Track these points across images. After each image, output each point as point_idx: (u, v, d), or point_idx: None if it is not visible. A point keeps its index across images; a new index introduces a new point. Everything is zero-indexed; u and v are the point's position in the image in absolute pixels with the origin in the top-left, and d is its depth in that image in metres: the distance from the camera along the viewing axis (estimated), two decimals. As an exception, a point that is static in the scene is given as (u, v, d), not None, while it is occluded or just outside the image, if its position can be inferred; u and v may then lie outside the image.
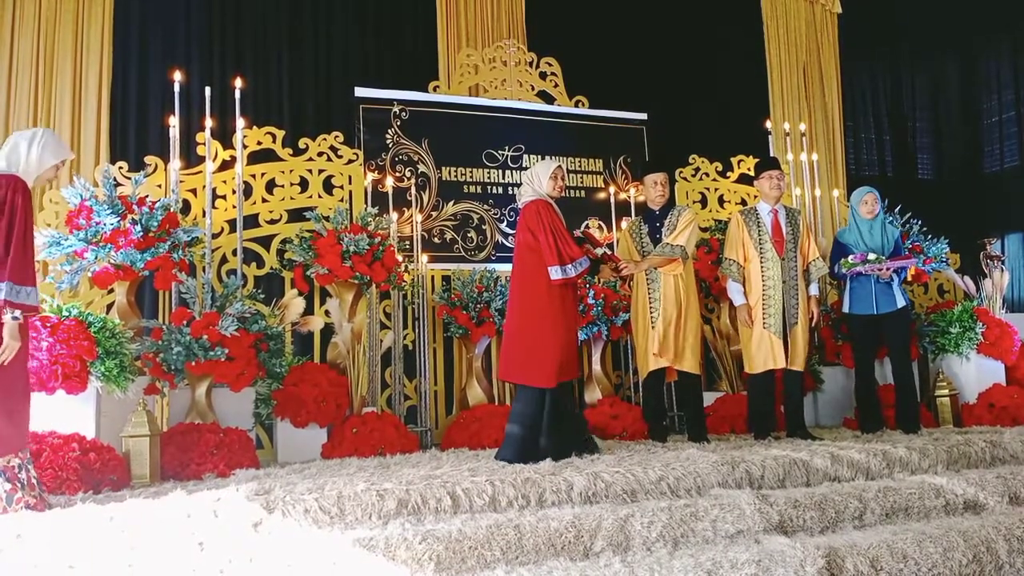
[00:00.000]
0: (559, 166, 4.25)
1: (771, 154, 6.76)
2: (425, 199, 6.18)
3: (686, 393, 5.03)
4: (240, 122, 5.12)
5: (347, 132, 5.98)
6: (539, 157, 6.57)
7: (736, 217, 5.11)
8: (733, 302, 5.08)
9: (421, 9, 7.01)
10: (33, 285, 3.08)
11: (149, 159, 5.27)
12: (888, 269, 4.98)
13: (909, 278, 5.18)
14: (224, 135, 5.31)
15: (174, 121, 4.99)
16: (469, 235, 6.29)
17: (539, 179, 4.21)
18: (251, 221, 5.37)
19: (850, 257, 5.05)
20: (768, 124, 7.00)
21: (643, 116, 6.99)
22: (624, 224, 5.61)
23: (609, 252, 4.50)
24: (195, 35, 6.35)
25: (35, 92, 5.66)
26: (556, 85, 6.72)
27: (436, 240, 6.16)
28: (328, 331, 5.27)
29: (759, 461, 3.58)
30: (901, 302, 5.07)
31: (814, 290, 5.02)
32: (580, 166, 6.72)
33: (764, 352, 4.86)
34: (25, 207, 3.06)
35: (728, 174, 7.04)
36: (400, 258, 5.44)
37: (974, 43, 9.22)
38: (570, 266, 4.02)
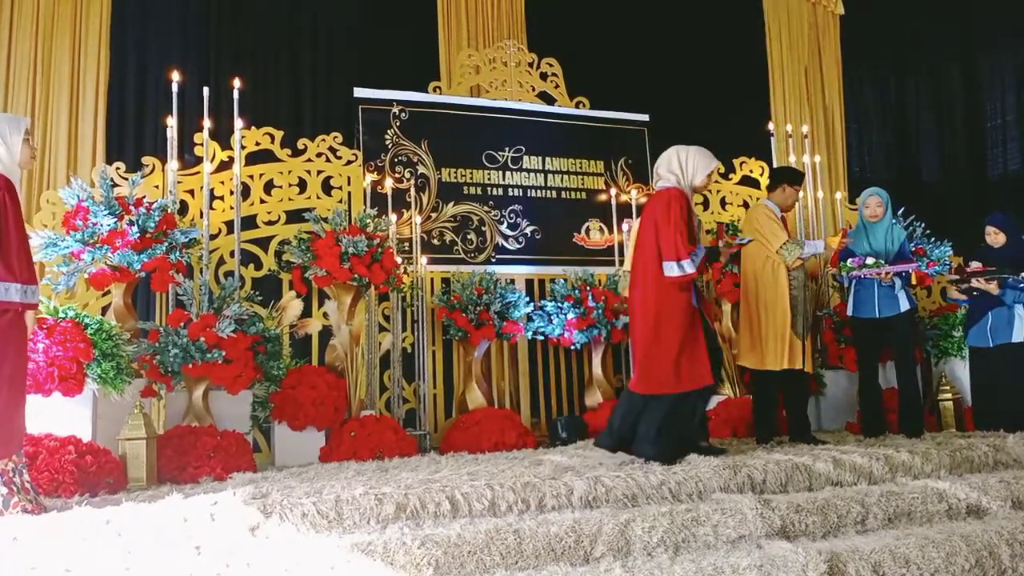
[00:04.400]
0: (719, 165, 4.02)
1: (773, 156, 6.77)
2: (424, 200, 6.16)
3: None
4: (238, 123, 5.10)
5: (346, 133, 5.96)
6: (540, 158, 6.55)
7: (765, 207, 4.93)
8: (819, 250, 4.90)
9: (421, 9, 6.99)
10: (36, 283, 3.09)
11: (146, 160, 5.26)
12: (888, 273, 4.95)
13: (913, 281, 5.14)
14: (222, 136, 5.29)
15: (172, 121, 4.98)
16: (469, 237, 6.27)
17: (693, 171, 3.91)
18: (249, 222, 5.35)
19: (848, 261, 5.02)
20: (770, 126, 6.99)
21: (644, 117, 6.97)
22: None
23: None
24: (193, 35, 6.34)
25: (32, 92, 5.64)
26: (557, 86, 6.70)
27: (435, 242, 6.13)
28: (326, 333, 5.25)
29: (761, 465, 3.56)
30: (905, 305, 5.03)
31: None
32: (581, 167, 6.70)
33: (779, 353, 4.72)
34: (14, 204, 3.03)
35: (730, 176, 7.02)
36: (399, 260, 5.42)
37: (977, 45, 9.20)
38: (687, 261, 3.74)
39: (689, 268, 3.73)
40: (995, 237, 5.19)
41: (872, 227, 5.15)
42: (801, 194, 6.59)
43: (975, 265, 5.15)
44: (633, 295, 3.96)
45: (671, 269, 3.74)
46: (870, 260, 4.96)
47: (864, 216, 5.17)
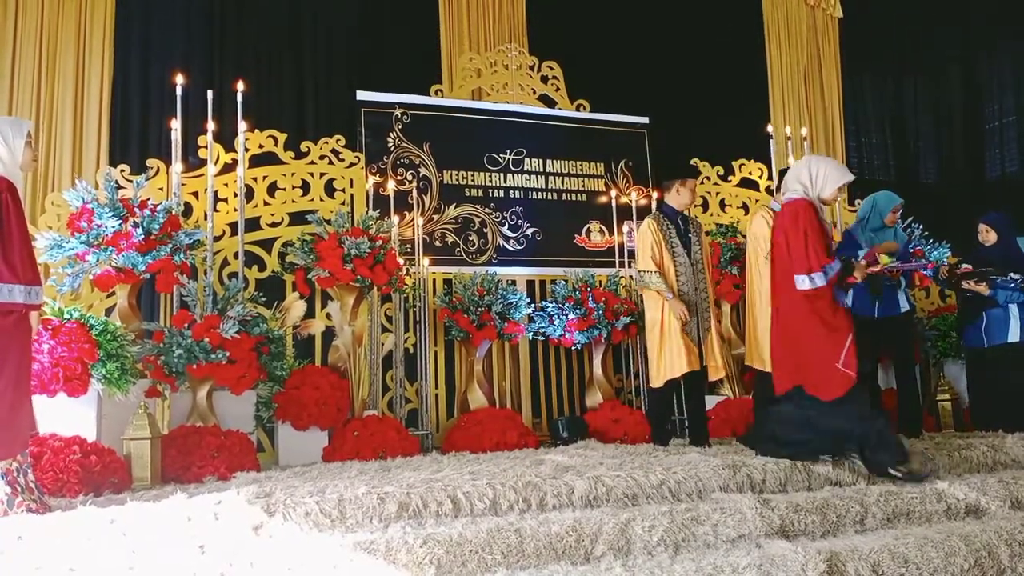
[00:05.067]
0: (852, 179, 3.87)
1: (772, 158, 6.77)
2: (426, 202, 6.19)
3: (694, 390, 4.91)
4: (242, 125, 5.13)
5: (349, 135, 5.99)
6: (540, 160, 6.57)
7: (763, 211, 4.84)
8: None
9: (422, 12, 7.02)
10: (40, 284, 3.10)
11: (151, 162, 5.29)
12: (898, 271, 4.96)
13: (916, 282, 5.17)
14: (226, 138, 5.31)
15: (176, 124, 5.00)
16: (470, 238, 6.29)
17: (823, 183, 3.81)
18: (252, 224, 5.38)
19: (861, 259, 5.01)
20: (769, 128, 7.01)
21: (644, 120, 6.99)
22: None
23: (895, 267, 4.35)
24: (196, 38, 6.36)
25: (37, 95, 5.66)
26: (557, 89, 6.73)
27: (437, 243, 6.16)
28: (329, 334, 5.28)
29: (760, 465, 3.58)
30: (905, 306, 5.06)
31: None
32: (581, 170, 6.73)
33: None
34: (16, 206, 3.06)
35: (729, 178, 7.05)
36: (401, 261, 5.44)
37: (975, 47, 9.22)
38: (818, 274, 3.65)
39: (820, 281, 3.65)
40: (986, 235, 5.22)
41: (886, 230, 5.17)
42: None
43: (965, 267, 5.18)
44: (776, 310, 3.88)
45: (802, 282, 3.67)
46: (884, 258, 4.96)
47: (887, 221, 5.16)
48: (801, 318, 3.76)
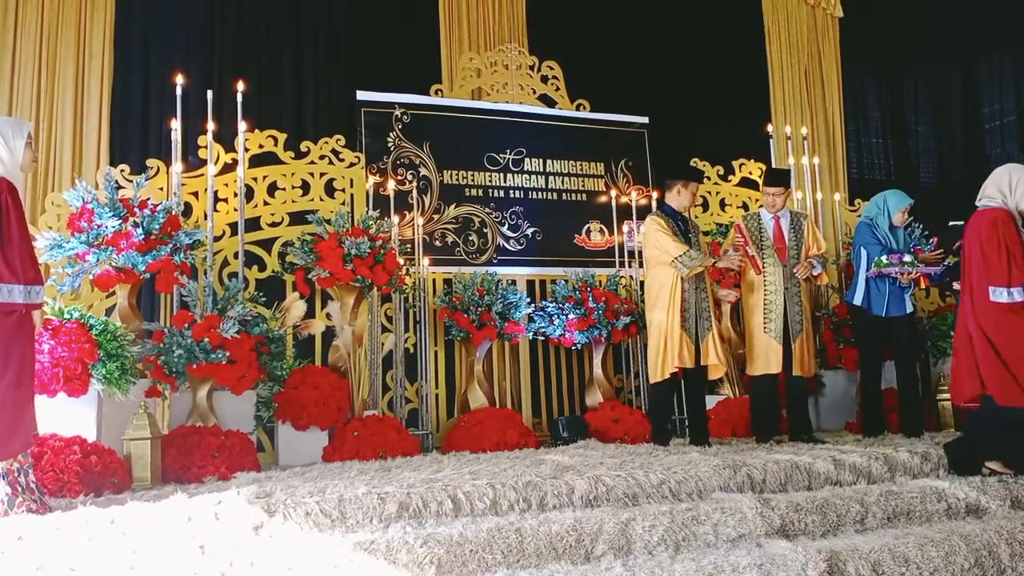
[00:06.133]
0: None
1: (772, 157, 6.78)
2: (426, 202, 6.18)
3: (694, 390, 4.96)
4: (242, 125, 5.13)
5: (349, 135, 5.99)
6: (540, 160, 6.58)
7: (738, 223, 5.13)
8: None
9: (422, 12, 7.01)
10: (42, 284, 3.11)
11: (151, 162, 5.29)
12: (917, 272, 4.95)
13: (923, 284, 5.17)
14: (226, 138, 5.31)
15: (176, 124, 5.00)
16: (470, 238, 6.29)
17: (1021, 192, 3.71)
18: (252, 224, 5.38)
19: (884, 257, 5.00)
20: (769, 128, 7.01)
21: (644, 119, 6.98)
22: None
23: None
24: (196, 38, 6.35)
25: (37, 95, 5.65)
26: (557, 88, 6.73)
27: (437, 243, 6.16)
28: (329, 334, 5.28)
29: (760, 465, 3.58)
30: (909, 307, 5.07)
31: (819, 269, 4.99)
32: (581, 169, 6.72)
33: (763, 357, 4.89)
34: (16, 206, 3.06)
35: (730, 178, 7.05)
36: (401, 261, 5.45)
37: (975, 47, 9.21)
38: (1017, 289, 3.59)
39: (1019, 296, 3.59)
40: None
41: (895, 230, 5.17)
42: (800, 194, 6.67)
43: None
44: (965, 317, 3.80)
45: (999, 295, 3.61)
46: (908, 257, 4.94)
47: (896, 221, 5.15)
48: (993, 330, 3.66)
